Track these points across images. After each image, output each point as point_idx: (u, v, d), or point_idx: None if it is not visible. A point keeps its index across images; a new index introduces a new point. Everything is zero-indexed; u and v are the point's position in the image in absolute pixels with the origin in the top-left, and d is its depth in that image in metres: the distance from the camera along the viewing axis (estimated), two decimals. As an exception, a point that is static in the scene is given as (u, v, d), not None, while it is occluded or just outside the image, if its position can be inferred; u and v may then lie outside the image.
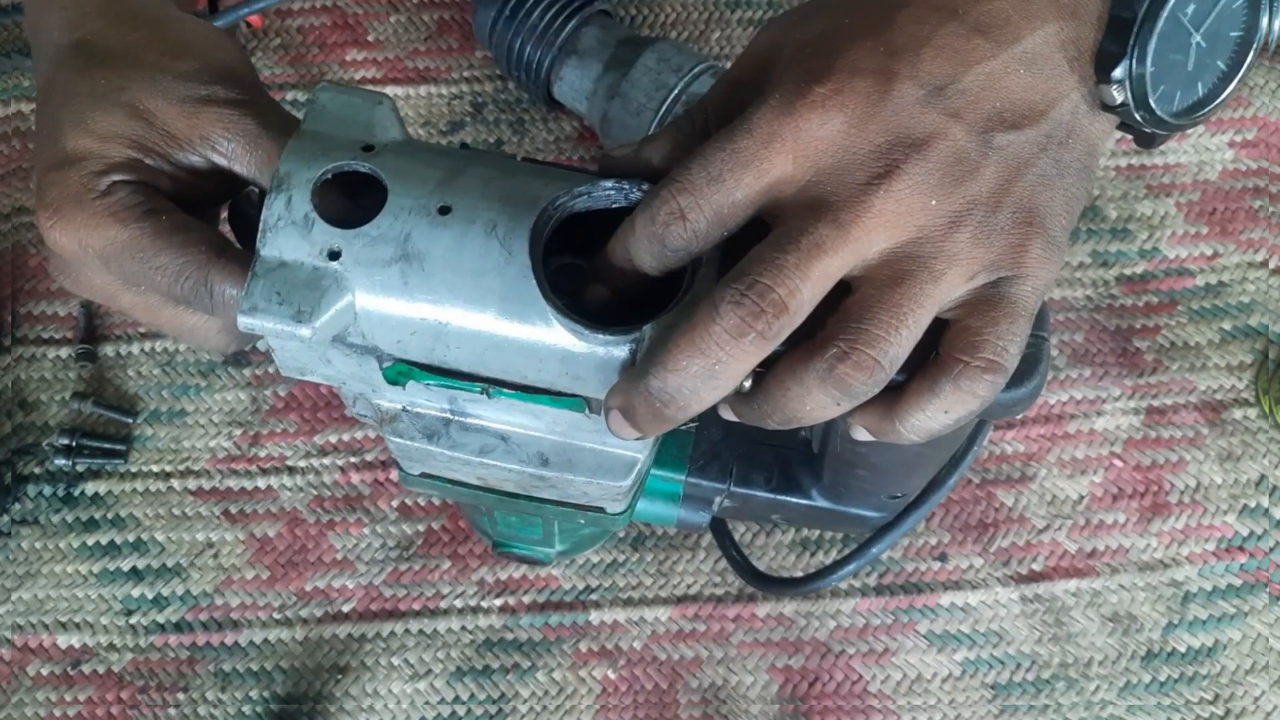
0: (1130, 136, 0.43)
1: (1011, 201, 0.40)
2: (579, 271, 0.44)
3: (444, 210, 0.40)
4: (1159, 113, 0.41)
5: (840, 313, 0.39)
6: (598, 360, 0.41)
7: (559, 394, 0.43)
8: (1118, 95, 0.40)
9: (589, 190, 0.41)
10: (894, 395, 0.41)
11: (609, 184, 0.42)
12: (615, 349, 0.40)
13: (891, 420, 0.41)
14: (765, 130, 0.39)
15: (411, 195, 0.41)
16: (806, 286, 0.38)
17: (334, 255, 0.40)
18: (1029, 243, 0.40)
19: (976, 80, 0.39)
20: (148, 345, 0.77)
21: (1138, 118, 0.41)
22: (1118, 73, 0.40)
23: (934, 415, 0.40)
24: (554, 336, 0.40)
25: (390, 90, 0.84)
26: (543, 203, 0.41)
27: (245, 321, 0.40)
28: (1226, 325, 0.77)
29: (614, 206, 0.42)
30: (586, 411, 0.44)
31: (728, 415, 0.43)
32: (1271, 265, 0.79)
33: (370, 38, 0.85)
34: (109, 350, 0.77)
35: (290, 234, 0.40)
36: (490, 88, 0.84)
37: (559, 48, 0.78)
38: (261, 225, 0.40)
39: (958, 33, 0.40)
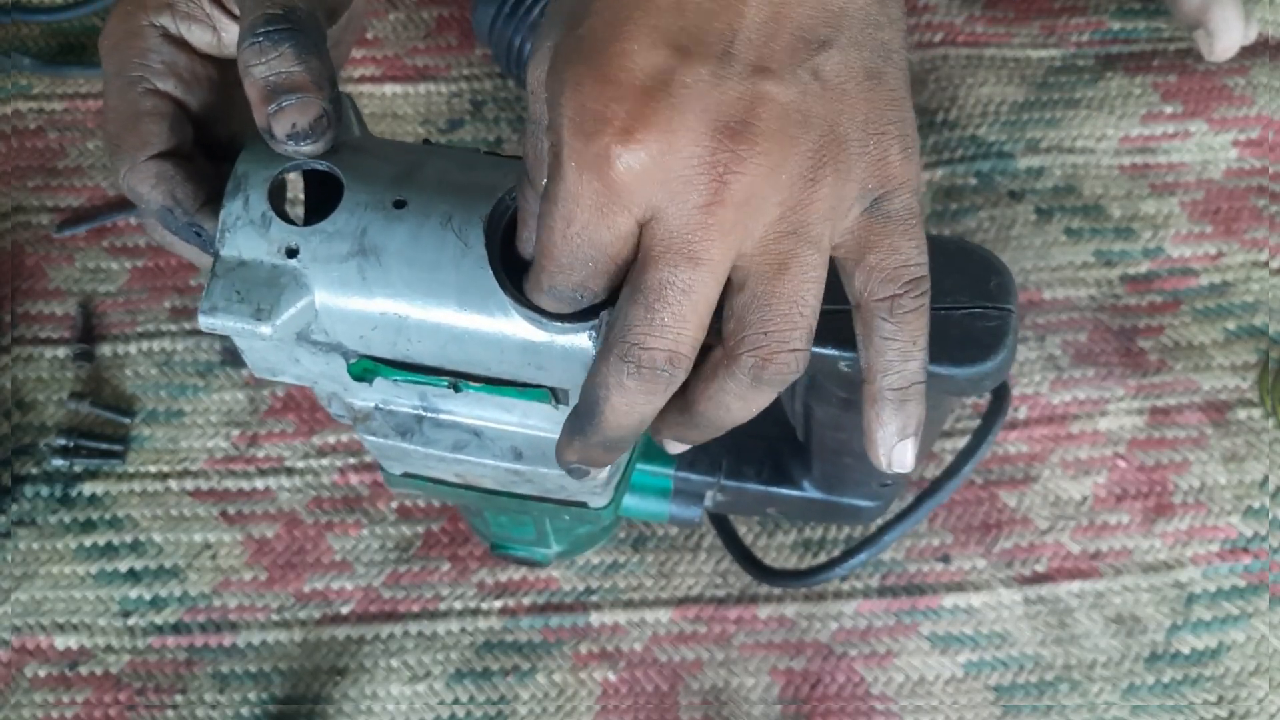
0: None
1: (857, 123, 0.36)
2: None
3: (399, 204, 0.40)
4: None
5: (737, 316, 0.37)
6: (559, 349, 0.41)
7: (526, 385, 0.43)
8: None
9: None
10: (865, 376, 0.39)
11: None
12: (576, 337, 0.40)
13: (879, 385, 0.39)
14: (572, 204, 0.35)
15: (368, 190, 0.41)
16: (690, 329, 0.36)
17: (292, 253, 0.40)
18: (888, 153, 0.37)
19: (756, 18, 0.35)
20: (145, 345, 0.77)
21: None
22: None
23: (905, 356, 0.38)
24: (514, 327, 0.40)
25: (389, 88, 0.84)
26: (499, 193, 0.41)
27: (206, 322, 0.40)
28: (1230, 325, 0.77)
29: None
30: (554, 403, 0.44)
31: (673, 449, 0.43)
32: (1275, 265, 0.78)
33: (369, 35, 0.85)
34: (106, 350, 0.77)
35: (248, 233, 0.41)
36: (490, 85, 0.84)
37: (559, 45, 0.77)
38: (220, 226, 0.41)
39: None
